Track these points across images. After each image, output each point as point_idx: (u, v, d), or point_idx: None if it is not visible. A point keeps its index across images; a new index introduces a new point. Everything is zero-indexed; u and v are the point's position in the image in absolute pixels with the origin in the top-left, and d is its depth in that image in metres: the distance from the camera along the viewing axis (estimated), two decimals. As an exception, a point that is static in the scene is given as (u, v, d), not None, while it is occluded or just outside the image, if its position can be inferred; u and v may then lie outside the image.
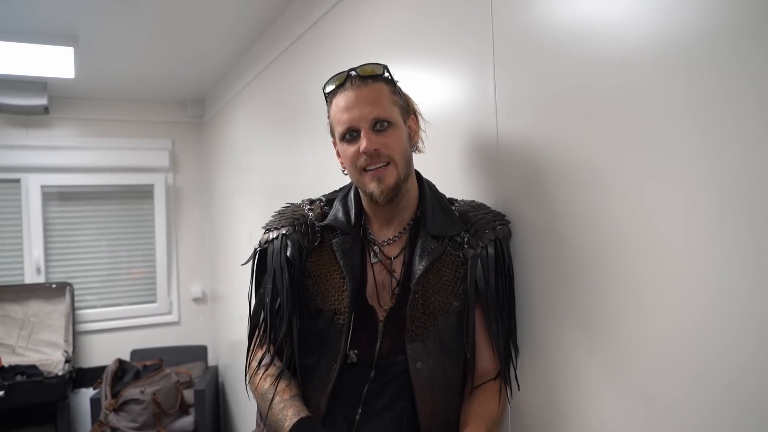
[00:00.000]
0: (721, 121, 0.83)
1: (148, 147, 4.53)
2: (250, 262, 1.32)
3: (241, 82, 3.58)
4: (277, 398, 1.17)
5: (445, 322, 1.20)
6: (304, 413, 1.13)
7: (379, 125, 1.18)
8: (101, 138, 4.40)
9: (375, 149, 1.16)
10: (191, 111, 4.63)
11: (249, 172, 3.51)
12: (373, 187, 1.19)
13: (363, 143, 1.16)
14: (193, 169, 4.73)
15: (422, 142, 1.33)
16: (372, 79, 1.20)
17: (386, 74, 1.24)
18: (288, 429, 1.10)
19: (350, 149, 1.20)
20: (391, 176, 1.18)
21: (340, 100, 1.21)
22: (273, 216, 1.36)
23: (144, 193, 4.57)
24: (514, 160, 1.28)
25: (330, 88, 1.24)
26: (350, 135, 1.20)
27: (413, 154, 1.29)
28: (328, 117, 1.26)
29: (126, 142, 4.46)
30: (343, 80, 1.21)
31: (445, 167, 1.47)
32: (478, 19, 1.37)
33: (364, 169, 1.19)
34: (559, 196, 1.15)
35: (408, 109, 1.27)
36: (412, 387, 1.18)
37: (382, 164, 1.18)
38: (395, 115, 1.21)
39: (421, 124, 1.33)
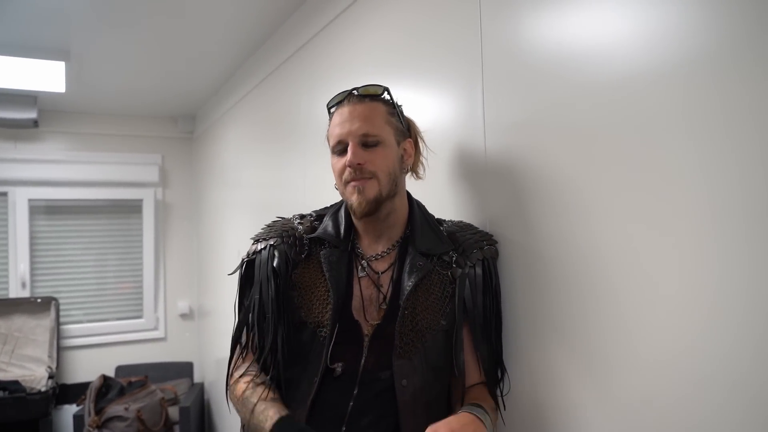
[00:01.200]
0: (706, 145, 0.86)
1: (138, 162, 4.52)
2: (237, 273, 1.33)
3: (231, 99, 3.60)
4: (258, 402, 1.18)
5: (432, 340, 1.21)
6: (284, 412, 1.14)
7: (367, 143, 1.22)
8: (90, 152, 4.39)
9: (359, 163, 1.20)
10: (182, 126, 4.64)
11: (238, 188, 3.51)
12: (353, 198, 1.22)
13: (348, 156, 1.20)
14: (183, 185, 4.72)
15: (423, 169, 1.37)
16: (370, 98, 1.25)
17: (385, 95, 1.29)
18: (269, 428, 1.11)
19: (338, 162, 1.24)
20: (371, 190, 1.21)
21: (336, 116, 1.26)
22: (263, 228, 1.37)
23: (132, 208, 4.55)
24: (501, 182, 1.30)
25: (332, 103, 1.29)
26: (340, 148, 1.24)
27: (411, 179, 1.34)
28: (327, 132, 1.31)
29: (115, 157, 4.45)
30: (344, 98, 1.26)
31: (433, 188, 1.49)
32: (468, 42, 1.40)
33: (348, 182, 1.23)
34: (544, 217, 1.17)
35: (406, 132, 1.30)
36: (396, 404, 1.18)
37: (364, 178, 1.21)
38: (386, 134, 1.24)
39: (423, 150, 1.37)
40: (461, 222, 1.35)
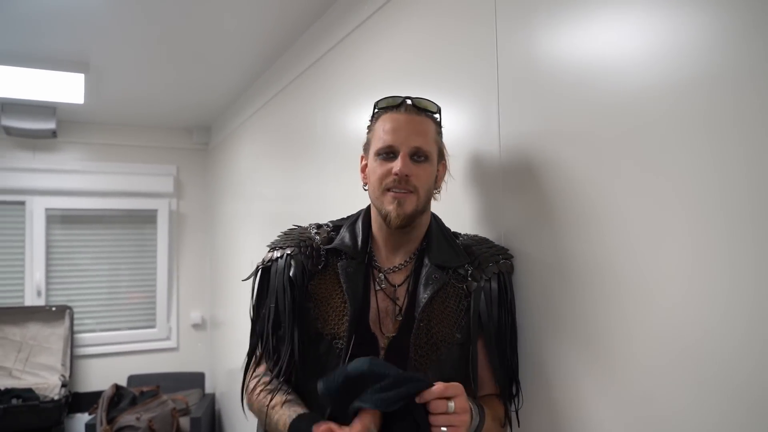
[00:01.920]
0: (721, 155, 0.86)
1: (153, 172, 4.57)
2: (251, 280, 1.33)
3: (247, 111, 3.63)
4: (275, 406, 1.18)
5: (447, 353, 1.21)
6: (301, 411, 1.15)
7: (417, 156, 1.22)
8: (107, 162, 4.44)
9: (407, 175, 1.20)
10: (197, 138, 4.68)
11: (252, 199, 3.53)
12: (391, 208, 1.22)
13: (398, 165, 1.19)
14: (197, 196, 4.75)
15: (439, 192, 1.34)
16: (425, 113, 1.25)
17: (437, 115, 1.29)
18: (288, 425, 1.11)
19: (382, 167, 1.22)
20: (410, 204, 1.21)
21: (388, 119, 1.24)
22: (279, 236, 1.38)
23: (147, 218, 4.59)
24: (516, 195, 1.30)
25: (383, 104, 1.27)
26: (387, 154, 1.22)
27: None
28: (368, 131, 1.30)
29: (131, 167, 4.50)
30: (398, 104, 1.25)
31: (449, 200, 1.49)
32: (484, 56, 1.41)
33: (388, 189, 1.22)
34: (560, 231, 1.17)
35: (442, 153, 1.31)
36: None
37: (406, 191, 1.21)
38: (433, 152, 1.25)
39: (445, 175, 1.35)
40: (477, 236, 1.35)
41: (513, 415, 1.24)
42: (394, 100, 1.26)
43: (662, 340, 0.95)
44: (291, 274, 1.26)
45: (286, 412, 1.16)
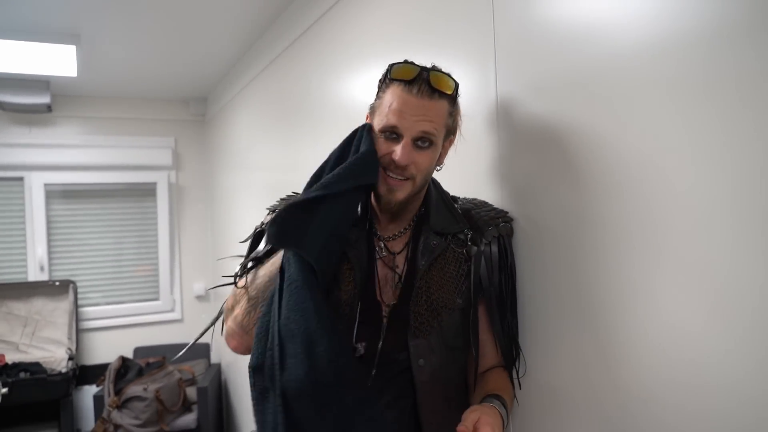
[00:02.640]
0: (726, 116, 0.83)
1: (151, 145, 4.54)
2: (248, 242, 1.33)
3: (242, 80, 3.58)
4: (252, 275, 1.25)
5: (448, 319, 1.20)
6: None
7: (421, 142, 1.15)
8: (104, 136, 4.41)
9: (405, 164, 1.15)
10: (194, 109, 4.64)
11: (251, 169, 3.51)
12: (383, 191, 1.19)
13: (398, 153, 1.14)
14: (196, 167, 4.73)
15: (441, 167, 1.29)
16: (439, 94, 1.15)
17: (453, 92, 1.18)
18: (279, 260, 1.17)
19: (383, 146, 1.17)
20: (403, 192, 1.18)
21: (398, 96, 1.14)
22: (278, 201, 1.36)
23: (147, 191, 4.57)
24: (515, 155, 1.28)
25: (396, 75, 1.15)
26: (390, 134, 1.16)
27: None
28: (377, 96, 1.20)
29: (129, 140, 4.47)
30: (413, 77, 1.13)
31: (447, 164, 1.47)
32: (480, 14, 1.37)
33: (385, 169, 1.18)
34: (560, 192, 1.15)
35: (452, 129, 1.23)
36: (414, 384, 1.17)
37: (402, 178, 1.17)
38: (439, 136, 1.18)
39: (456, 140, 1.28)
40: (476, 199, 1.34)
41: (515, 380, 1.25)
42: (408, 71, 1.14)
43: (668, 304, 0.94)
44: None
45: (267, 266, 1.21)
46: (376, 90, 1.22)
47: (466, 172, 1.44)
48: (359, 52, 2.05)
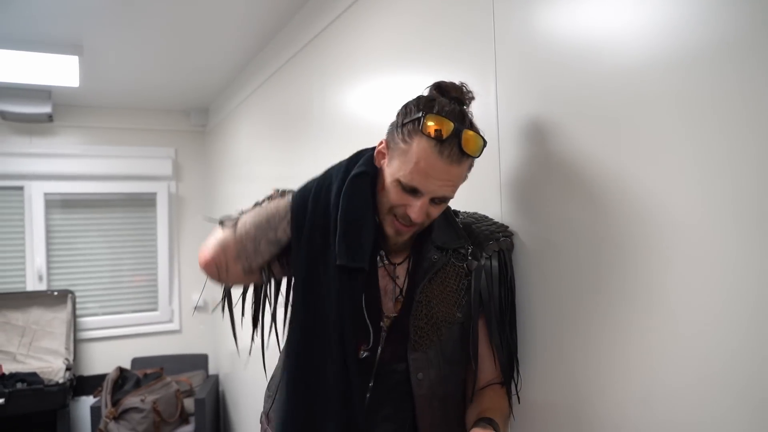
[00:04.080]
0: (732, 131, 0.84)
1: (151, 155, 4.54)
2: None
3: (243, 92, 3.60)
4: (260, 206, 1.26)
5: (448, 333, 1.20)
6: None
7: (438, 200, 1.14)
8: (105, 146, 4.42)
9: (420, 222, 1.15)
10: (194, 120, 4.65)
11: (251, 181, 3.51)
12: (390, 232, 1.18)
13: (414, 212, 1.12)
14: (196, 178, 4.74)
15: None
16: (468, 157, 1.10)
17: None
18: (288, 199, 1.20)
19: (399, 196, 1.13)
20: (409, 234, 1.19)
21: (426, 157, 1.07)
22: (273, 190, 1.36)
23: (147, 201, 4.58)
24: (515, 171, 1.29)
25: (430, 130, 1.06)
26: (410, 189, 1.11)
27: None
28: (401, 135, 1.11)
29: (129, 150, 4.47)
30: (446, 137, 1.06)
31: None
32: (481, 30, 1.38)
33: (395, 215, 1.16)
34: (559, 207, 1.16)
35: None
36: (413, 397, 1.17)
37: (411, 226, 1.16)
38: (455, 193, 1.16)
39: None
40: (476, 213, 1.34)
41: (514, 392, 1.24)
42: (443, 128, 1.06)
43: (669, 318, 0.94)
44: None
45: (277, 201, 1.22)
46: (401, 120, 1.14)
47: (466, 186, 1.44)
48: (360, 65, 2.06)
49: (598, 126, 1.06)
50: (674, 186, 0.92)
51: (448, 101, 1.12)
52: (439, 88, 1.16)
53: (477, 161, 1.34)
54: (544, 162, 1.20)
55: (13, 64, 3.13)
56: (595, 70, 1.06)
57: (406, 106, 1.15)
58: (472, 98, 1.17)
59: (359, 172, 1.19)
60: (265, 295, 1.34)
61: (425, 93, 1.17)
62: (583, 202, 1.10)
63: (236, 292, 1.36)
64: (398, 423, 1.18)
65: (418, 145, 1.08)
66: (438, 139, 1.06)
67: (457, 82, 1.17)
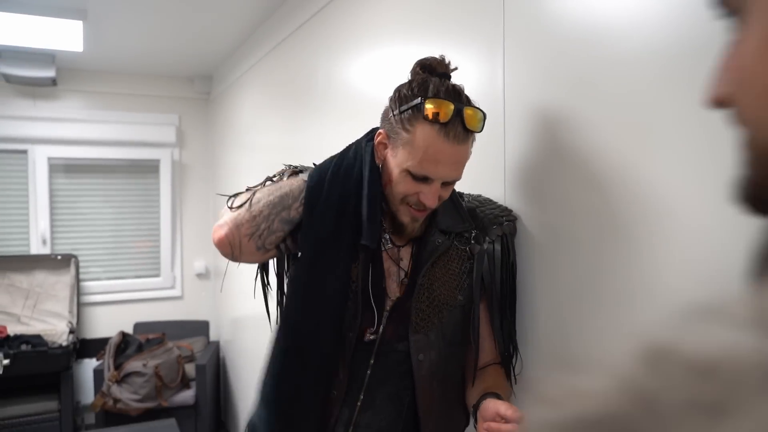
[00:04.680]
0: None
1: (155, 122, 4.53)
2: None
3: (248, 61, 3.57)
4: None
5: (449, 315, 1.22)
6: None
7: (449, 182, 1.15)
8: (108, 111, 4.40)
9: (434, 206, 1.16)
10: (199, 87, 4.62)
11: (254, 150, 3.51)
12: (405, 221, 1.19)
13: (428, 199, 1.13)
14: (199, 146, 4.73)
15: None
16: (471, 132, 1.11)
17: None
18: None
19: (409, 185, 1.13)
20: (424, 217, 1.20)
21: (432, 143, 1.08)
22: (284, 166, 1.38)
23: (150, 168, 4.58)
24: (521, 153, 1.29)
25: (430, 114, 1.06)
26: (420, 177, 1.12)
27: None
28: (401, 124, 1.11)
29: (133, 116, 4.46)
30: (449, 120, 1.06)
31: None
32: (490, 5, 1.37)
33: (409, 204, 1.16)
34: (566, 191, 1.16)
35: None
36: (413, 377, 1.20)
37: (426, 210, 1.17)
38: (463, 171, 1.17)
39: None
40: (480, 196, 1.35)
41: (511, 375, 1.27)
42: (444, 110, 1.06)
43: (671, 305, 0.95)
44: None
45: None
46: (396, 107, 1.12)
47: (470, 168, 1.44)
48: (366, 38, 2.04)
49: (607, 111, 1.06)
50: (684, 175, 0.92)
51: (439, 80, 1.12)
52: (424, 66, 1.16)
53: (482, 143, 1.34)
54: (550, 146, 1.20)
55: (17, 28, 3.10)
56: (606, 53, 1.06)
57: (398, 92, 1.15)
58: (455, 69, 1.18)
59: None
60: (284, 269, 1.35)
61: (410, 73, 1.17)
62: (588, 188, 1.10)
63: (259, 268, 1.36)
64: (398, 401, 1.20)
65: (422, 132, 1.08)
66: (441, 122, 1.06)
67: (437, 56, 1.16)
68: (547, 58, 1.21)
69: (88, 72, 4.32)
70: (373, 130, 1.23)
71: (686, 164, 0.91)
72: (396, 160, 1.14)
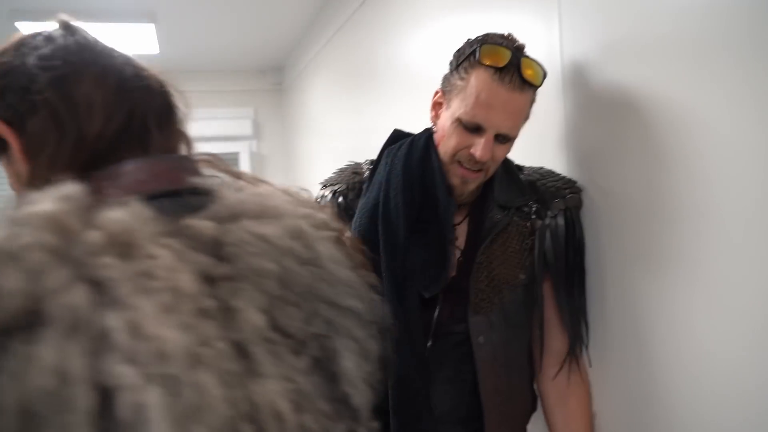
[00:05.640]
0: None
1: (231, 116, 4.65)
2: None
3: (315, 46, 3.57)
4: None
5: (510, 295, 1.15)
6: None
7: (503, 137, 1.09)
8: (186, 109, 4.54)
9: (486, 161, 1.09)
10: (271, 78, 4.70)
11: (328, 136, 3.52)
12: (455, 182, 1.14)
13: (479, 150, 1.06)
14: (276, 136, 4.81)
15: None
16: (529, 86, 1.07)
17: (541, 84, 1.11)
18: None
19: (461, 137, 1.09)
20: (475, 183, 1.14)
21: (486, 87, 1.04)
22: (334, 173, 1.35)
23: (229, 161, 4.61)
24: (583, 123, 1.19)
25: (486, 60, 1.04)
26: (472, 127, 1.07)
27: None
28: (458, 74, 1.09)
29: (210, 113, 4.59)
30: (505, 64, 1.04)
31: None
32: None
33: (459, 161, 1.11)
34: (633, 162, 1.06)
35: (528, 115, 1.15)
36: (474, 362, 1.13)
37: (478, 170, 1.11)
38: (519, 129, 1.12)
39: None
40: (542, 168, 1.25)
41: (585, 357, 1.18)
42: (500, 55, 1.04)
43: (759, 287, 0.84)
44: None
45: None
46: (454, 64, 1.11)
47: (530, 139, 1.34)
48: (423, 11, 1.97)
49: (676, 75, 0.95)
50: (760, 145, 0.80)
51: (499, 35, 1.10)
52: (487, 38, 1.10)
53: (540, 110, 1.24)
54: (615, 113, 1.09)
55: (98, 35, 3.23)
56: (674, 11, 0.94)
57: (457, 50, 1.13)
58: (522, 45, 1.11)
59: (413, 139, 1.20)
60: None
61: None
62: (661, 155, 0.99)
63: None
64: (458, 385, 1.15)
65: (477, 78, 1.05)
66: (496, 67, 1.03)
67: (504, 33, 1.11)
68: (608, 21, 1.10)
69: (165, 73, 4.46)
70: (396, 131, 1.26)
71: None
72: (449, 112, 1.11)
